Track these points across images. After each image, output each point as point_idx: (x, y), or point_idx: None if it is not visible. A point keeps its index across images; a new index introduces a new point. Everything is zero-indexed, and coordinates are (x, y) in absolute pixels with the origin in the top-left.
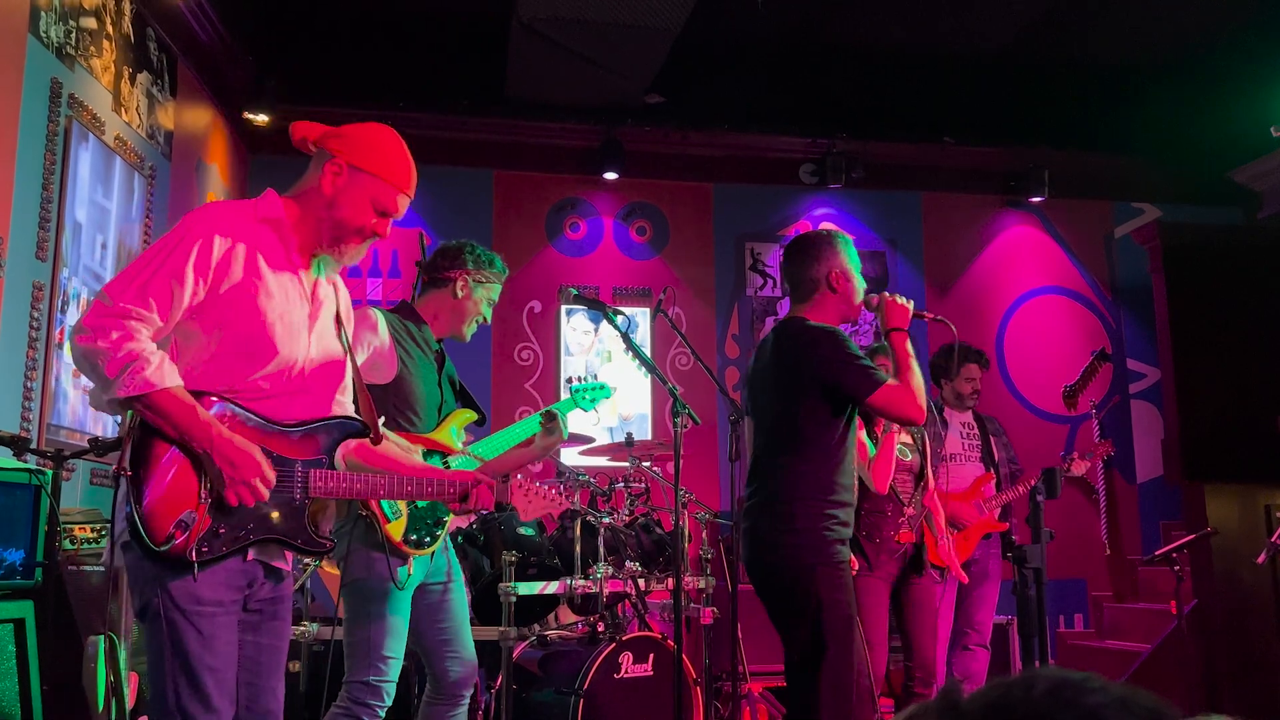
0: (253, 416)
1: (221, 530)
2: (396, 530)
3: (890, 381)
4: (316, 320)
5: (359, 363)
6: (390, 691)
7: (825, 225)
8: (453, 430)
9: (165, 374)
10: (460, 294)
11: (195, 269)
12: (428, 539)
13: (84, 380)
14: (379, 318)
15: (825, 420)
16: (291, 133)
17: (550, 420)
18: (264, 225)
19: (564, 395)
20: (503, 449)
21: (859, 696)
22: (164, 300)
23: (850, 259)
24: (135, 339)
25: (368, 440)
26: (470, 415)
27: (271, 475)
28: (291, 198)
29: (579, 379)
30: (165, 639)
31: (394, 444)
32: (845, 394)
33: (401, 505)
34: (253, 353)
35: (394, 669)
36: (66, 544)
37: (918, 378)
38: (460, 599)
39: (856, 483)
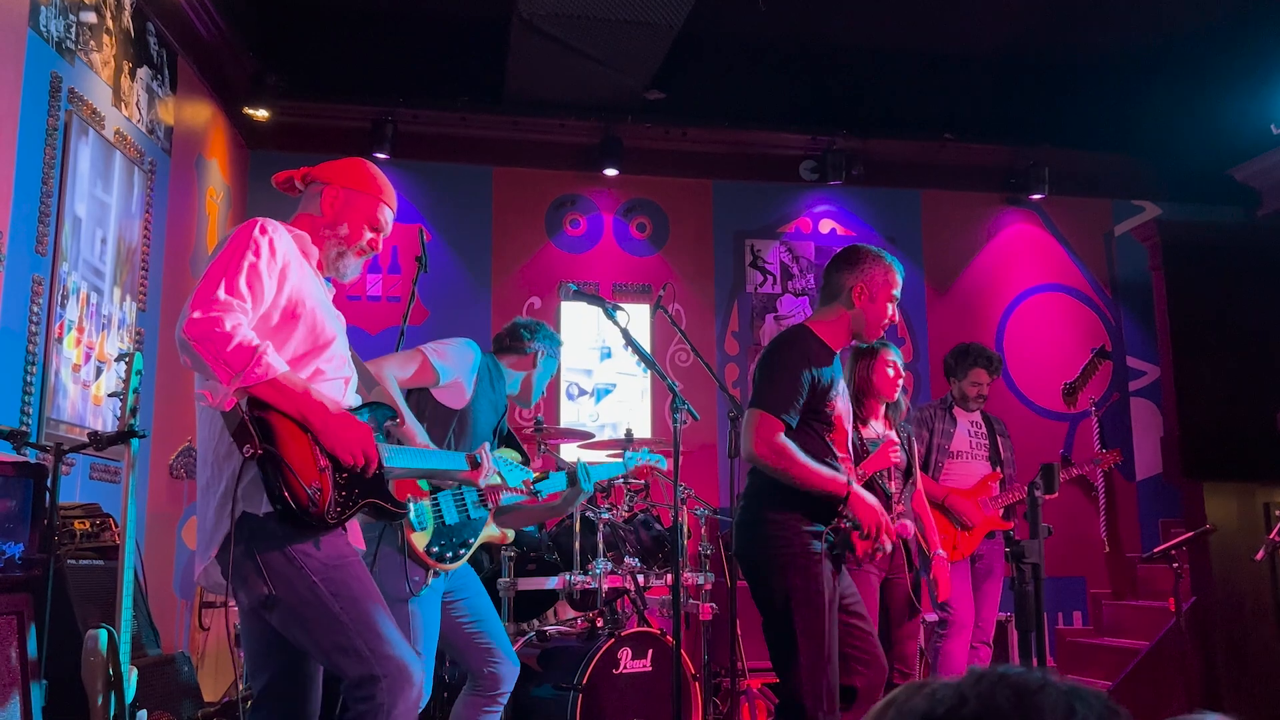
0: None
1: (341, 494)
2: (420, 540)
3: (778, 420)
4: (341, 321)
5: (443, 383)
6: None
7: (825, 221)
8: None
9: (279, 358)
10: (537, 367)
11: (267, 267)
12: (449, 555)
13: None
14: (475, 355)
15: (800, 423)
16: (275, 180)
17: (573, 484)
18: (296, 239)
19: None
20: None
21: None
22: (254, 293)
23: (885, 283)
24: (244, 326)
25: (393, 421)
26: (513, 453)
27: (372, 438)
28: (294, 223)
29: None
30: (328, 601)
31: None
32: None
33: (430, 519)
34: (316, 341)
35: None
36: (66, 538)
37: (797, 472)
38: (487, 602)
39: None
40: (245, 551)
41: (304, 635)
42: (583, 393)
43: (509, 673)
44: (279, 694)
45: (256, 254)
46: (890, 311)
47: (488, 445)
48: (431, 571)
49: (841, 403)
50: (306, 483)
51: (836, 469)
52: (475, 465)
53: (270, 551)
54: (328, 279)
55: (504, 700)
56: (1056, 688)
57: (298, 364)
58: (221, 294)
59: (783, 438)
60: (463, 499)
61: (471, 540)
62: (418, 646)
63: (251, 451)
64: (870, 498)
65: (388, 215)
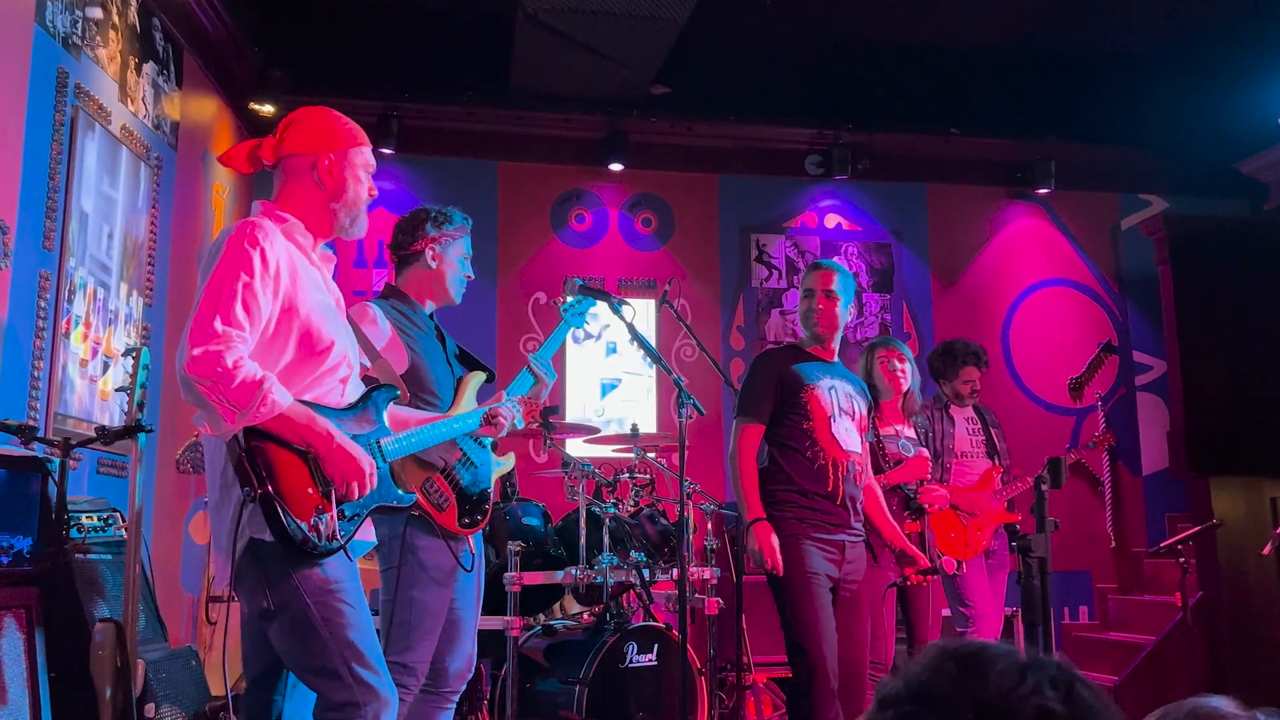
0: (328, 410)
1: (344, 513)
2: (450, 519)
3: (744, 424)
4: (340, 307)
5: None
6: (424, 673)
7: (830, 215)
8: (471, 397)
9: (284, 391)
10: (433, 263)
11: (262, 283)
12: (479, 516)
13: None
14: (377, 311)
15: (776, 419)
16: (232, 161)
17: (536, 378)
18: (286, 232)
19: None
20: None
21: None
22: (252, 317)
23: (803, 286)
24: (246, 360)
25: (394, 401)
26: (481, 377)
27: (373, 469)
28: (284, 202)
29: (563, 299)
30: (318, 625)
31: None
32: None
33: (449, 494)
34: (315, 348)
35: (428, 651)
36: (74, 532)
37: (739, 485)
38: (471, 589)
39: (825, 474)
40: (251, 565)
41: (292, 653)
42: (588, 338)
43: (468, 668)
44: (269, 684)
45: (250, 272)
46: (810, 304)
47: (505, 396)
48: (470, 541)
49: (825, 394)
50: (304, 515)
51: (816, 456)
52: (491, 422)
53: (274, 571)
54: (329, 244)
55: (455, 700)
56: (1011, 659)
57: (295, 370)
58: (219, 325)
59: (744, 444)
60: (466, 456)
61: (487, 487)
62: (431, 630)
63: (249, 492)
64: (756, 539)
65: (369, 155)
